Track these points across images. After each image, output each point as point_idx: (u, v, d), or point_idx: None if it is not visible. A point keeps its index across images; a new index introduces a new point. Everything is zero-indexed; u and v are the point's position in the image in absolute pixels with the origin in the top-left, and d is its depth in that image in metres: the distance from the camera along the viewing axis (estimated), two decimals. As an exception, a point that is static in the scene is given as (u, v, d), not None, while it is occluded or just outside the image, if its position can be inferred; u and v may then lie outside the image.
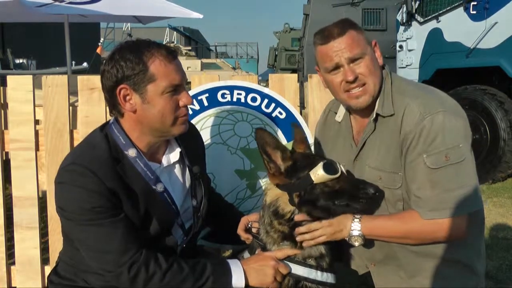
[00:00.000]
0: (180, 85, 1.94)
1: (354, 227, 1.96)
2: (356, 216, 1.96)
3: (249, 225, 2.21)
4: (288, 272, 2.02)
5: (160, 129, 1.96)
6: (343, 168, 1.97)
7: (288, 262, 2.03)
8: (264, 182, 2.70)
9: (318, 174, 1.89)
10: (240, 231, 2.24)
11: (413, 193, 1.97)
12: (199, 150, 2.31)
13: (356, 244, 2.00)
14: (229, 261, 2.04)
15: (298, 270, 2.04)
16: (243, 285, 1.97)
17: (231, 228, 2.30)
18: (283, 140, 2.71)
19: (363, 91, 2.01)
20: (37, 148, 2.76)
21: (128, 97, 1.91)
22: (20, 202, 2.73)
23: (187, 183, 2.16)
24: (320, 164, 1.90)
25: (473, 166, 2.01)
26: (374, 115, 2.05)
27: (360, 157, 2.13)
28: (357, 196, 1.91)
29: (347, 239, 1.98)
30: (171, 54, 1.93)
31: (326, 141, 2.35)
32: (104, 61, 1.95)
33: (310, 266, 2.04)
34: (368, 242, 2.07)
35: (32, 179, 2.72)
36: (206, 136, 2.49)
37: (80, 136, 2.73)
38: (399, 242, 2.06)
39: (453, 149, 1.91)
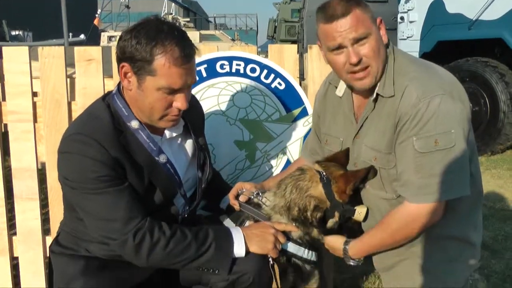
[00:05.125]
0: (180, 89, 1.89)
1: (344, 247, 2.10)
2: (347, 240, 2.10)
3: (240, 192, 2.24)
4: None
5: (147, 117, 1.96)
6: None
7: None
8: (263, 152, 2.72)
9: (360, 214, 2.09)
10: (231, 195, 2.26)
11: (399, 173, 1.96)
12: (200, 120, 2.31)
13: (349, 262, 2.12)
14: (231, 228, 2.07)
15: (289, 246, 2.12)
16: (244, 251, 2.00)
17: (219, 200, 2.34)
18: (281, 111, 2.70)
19: (367, 73, 1.97)
20: (35, 120, 2.75)
21: (128, 75, 1.89)
22: (19, 173, 2.73)
23: (190, 154, 2.17)
24: (365, 209, 2.09)
25: (465, 152, 1.95)
26: (375, 95, 2.03)
27: (359, 135, 2.12)
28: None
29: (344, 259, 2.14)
30: (184, 58, 1.85)
31: (326, 114, 2.33)
32: (128, 29, 1.91)
33: (300, 244, 2.12)
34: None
35: (30, 151, 2.72)
36: (205, 107, 2.48)
37: (78, 108, 2.71)
38: (390, 246, 2.08)
39: (444, 135, 1.87)
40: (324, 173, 2.10)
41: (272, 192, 2.18)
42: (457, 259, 2.15)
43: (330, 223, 2.10)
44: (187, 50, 1.86)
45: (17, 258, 2.83)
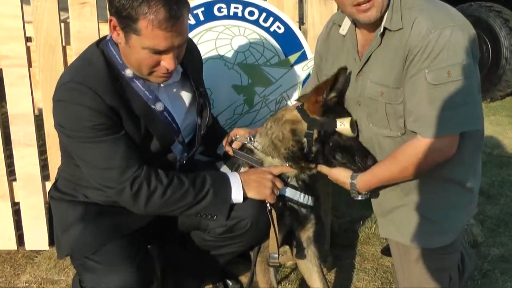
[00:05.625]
0: (166, 51, 1.81)
1: (351, 181, 2.08)
2: (353, 174, 2.08)
3: (234, 138, 2.24)
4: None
5: (136, 71, 1.91)
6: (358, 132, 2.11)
7: None
8: (261, 96, 2.69)
9: (343, 124, 2.03)
10: (225, 142, 2.26)
11: (410, 109, 1.95)
12: (198, 65, 2.27)
13: (356, 197, 2.14)
14: (228, 174, 2.07)
15: (286, 191, 2.14)
16: (242, 197, 2.01)
17: (216, 146, 2.35)
18: (280, 55, 2.66)
19: (371, 5, 1.93)
20: (29, 65, 2.71)
21: (116, 29, 1.83)
22: (16, 119, 2.72)
23: (188, 101, 2.14)
24: (349, 118, 2.05)
25: (476, 84, 1.97)
26: (382, 29, 1.99)
27: (363, 72, 2.10)
28: (356, 161, 2.06)
29: (350, 192, 2.14)
30: (170, 20, 1.73)
31: (328, 56, 2.30)
32: None
33: (296, 188, 2.14)
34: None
35: (26, 96, 2.70)
36: (202, 51, 2.43)
37: (74, 52, 2.67)
38: (399, 180, 2.07)
39: (456, 66, 1.86)
40: (300, 103, 2.12)
41: (259, 134, 2.19)
42: (456, 205, 2.17)
43: (315, 147, 2.06)
44: (173, 11, 1.73)
45: (18, 203, 2.86)
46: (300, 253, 2.28)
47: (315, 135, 2.05)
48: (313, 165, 2.14)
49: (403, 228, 2.21)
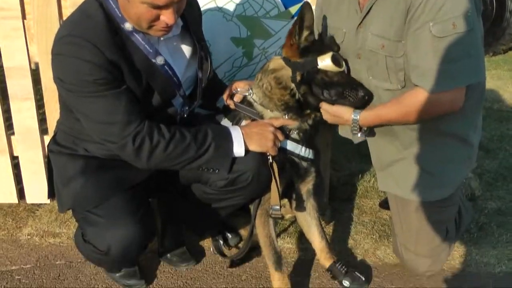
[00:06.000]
0: (165, 6, 1.76)
1: (354, 116, 2.05)
2: (356, 110, 2.05)
3: (234, 91, 2.22)
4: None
5: (135, 25, 1.87)
6: (346, 68, 2.09)
7: None
8: (261, 49, 2.65)
9: (325, 61, 2.01)
10: (225, 95, 2.24)
11: (414, 63, 1.92)
12: (198, 18, 2.23)
13: (357, 133, 2.11)
14: (230, 127, 2.07)
15: (287, 144, 2.14)
16: (244, 150, 2.01)
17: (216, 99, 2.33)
18: (280, 7, 2.60)
19: None
20: (23, 17, 2.64)
21: None
22: (12, 73, 2.68)
23: (189, 54, 2.11)
24: (329, 54, 2.01)
25: (480, 37, 1.94)
26: None
27: (364, 24, 2.06)
28: (345, 95, 2.03)
29: (351, 129, 2.10)
30: None
31: (329, 7, 2.26)
32: None
33: (297, 142, 2.14)
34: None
35: (22, 49, 2.65)
36: (200, 3, 2.36)
37: (68, 4, 2.60)
38: (400, 123, 2.06)
39: (461, 17, 1.82)
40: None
41: (253, 86, 2.19)
42: (455, 159, 2.18)
43: (302, 90, 2.06)
44: None
45: (17, 157, 2.86)
46: (300, 206, 2.30)
47: (299, 78, 2.04)
48: (311, 111, 2.13)
49: (402, 181, 2.22)
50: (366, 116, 2.05)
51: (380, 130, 2.21)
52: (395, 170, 2.24)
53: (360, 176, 3.27)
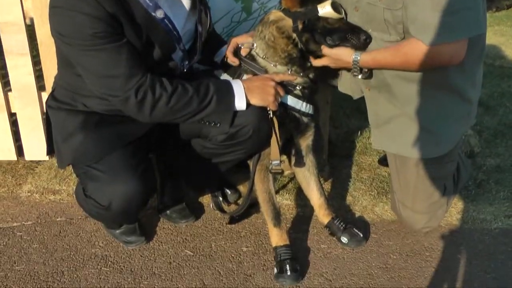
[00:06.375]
0: None
1: (354, 57, 2.05)
2: (356, 52, 2.05)
3: (240, 46, 2.19)
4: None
5: None
6: (345, 15, 2.11)
7: None
8: (260, 3, 2.59)
9: (325, 8, 2.02)
10: (229, 53, 2.21)
11: (412, 16, 1.90)
12: None
13: (358, 75, 2.11)
14: (231, 81, 2.06)
15: (288, 99, 2.14)
16: (245, 104, 2.01)
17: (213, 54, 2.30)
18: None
19: None
20: (16, -32, 2.58)
21: None
22: (6, 28, 2.63)
23: (188, 7, 2.08)
24: (329, 1, 2.03)
25: None
26: None
27: None
28: (348, 38, 2.05)
29: (351, 71, 2.11)
30: None
31: None
32: None
33: (298, 97, 2.14)
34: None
35: (16, 3, 2.59)
36: (197, -45, 2.30)
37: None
38: (400, 70, 2.04)
39: None
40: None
41: (255, 39, 2.17)
42: (453, 115, 2.17)
43: (305, 38, 2.07)
44: None
45: (15, 114, 2.85)
46: (299, 162, 2.31)
47: (300, 26, 2.05)
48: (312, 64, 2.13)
49: (400, 138, 2.22)
50: (366, 59, 2.05)
51: (378, 86, 2.20)
52: (392, 127, 2.23)
53: (359, 133, 3.26)
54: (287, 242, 2.19)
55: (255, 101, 2.01)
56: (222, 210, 2.50)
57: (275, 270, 2.13)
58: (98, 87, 1.91)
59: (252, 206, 2.41)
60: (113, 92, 1.88)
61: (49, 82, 2.65)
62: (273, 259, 2.19)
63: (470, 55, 2.00)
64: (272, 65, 2.11)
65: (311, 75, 2.16)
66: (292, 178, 2.70)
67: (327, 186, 2.73)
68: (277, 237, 2.19)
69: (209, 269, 2.17)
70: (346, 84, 2.39)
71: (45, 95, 2.70)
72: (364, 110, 2.36)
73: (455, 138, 2.24)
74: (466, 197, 2.63)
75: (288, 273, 2.09)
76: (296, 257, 2.17)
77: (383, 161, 2.85)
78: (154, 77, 1.89)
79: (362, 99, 2.35)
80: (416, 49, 1.92)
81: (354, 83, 2.33)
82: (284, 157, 2.31)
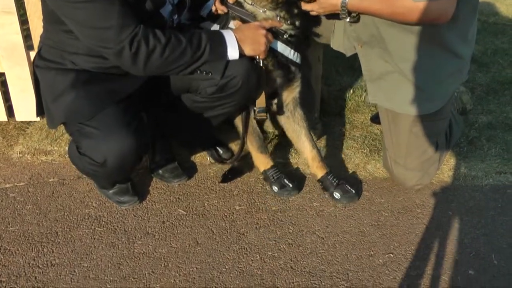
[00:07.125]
0: None
1: (343, 1, 2.04)
2: None
3: None
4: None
5: None
6: None
7: None
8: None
9: None
10: (217, 2, 2.19)
11: None
12: None
13: (346, 18, 2.10)
14: (222, 31, 2.04)
15: (278, 46, 2.15)
16: (238, 53, 2.02)
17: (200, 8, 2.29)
18: None
19: None
20: None
21: None
22: (-10, -16, 2.56)
23: None
24: None
25: None
26: None
27: None
28: None
29: (339, 14, 2.10)
30: None
31: None
32: None
33: (286, 44, 2.16)
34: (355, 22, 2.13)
35: (-1, -41, 2.52)
36: None
37: None
38: (387, 19, 2.03)
39: None
40: None
41: None
42: (445, 72, 2.16)
43: None
44: None
45: (4, 74, 2.80)
46: (283, 112, 2.36)
47: None
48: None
49: (392, 95, 2.22)
50: (354, 2, 2.03)
51: (370, 41, 2.19)
52: (385, 84, 2.22)
53: (351, 91, 3.24)
54: (273, 163, 2.36)
55: (247, 51, 2.02)
56: (221, 161, 2.53)
57: (275, 189, 2.34)
58: (93, 40, 1.88)
59: (246, 166, 2.42)
60: (106, 44, 1.86)
61: (37, 41, 2.59)
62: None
63: (462, 10, 1.98)
64: (261, 11, 2.10)
65: (297, 23, 2.15)
66: (284, 136, 2.70)
67: (319, 144, 2.73)
68: (264, 162, 2.35)
69: (202, 228, 2.19)
70: (339, 41, 2.36)
71: (33, 54, 2.64)
72: (356, 67, 2.34)
73: (447, 94, 2.24)
74: (458, 154, 2.65)
75: (290, 185, 2.33)
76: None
77: (375, 119, 2.85)
78: (147, 28, 1.88)
79: (354, 56, 2.33)
80: (404, 2, 1.90)
81: (347, 40, 2.30)
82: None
